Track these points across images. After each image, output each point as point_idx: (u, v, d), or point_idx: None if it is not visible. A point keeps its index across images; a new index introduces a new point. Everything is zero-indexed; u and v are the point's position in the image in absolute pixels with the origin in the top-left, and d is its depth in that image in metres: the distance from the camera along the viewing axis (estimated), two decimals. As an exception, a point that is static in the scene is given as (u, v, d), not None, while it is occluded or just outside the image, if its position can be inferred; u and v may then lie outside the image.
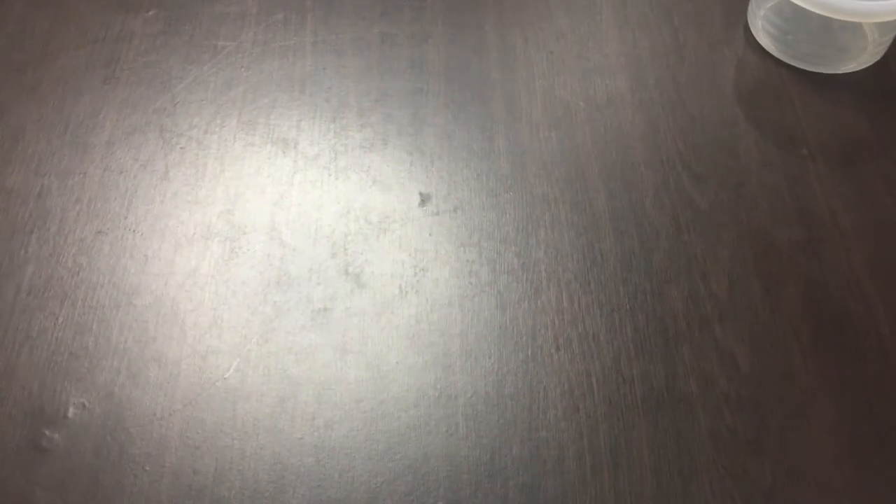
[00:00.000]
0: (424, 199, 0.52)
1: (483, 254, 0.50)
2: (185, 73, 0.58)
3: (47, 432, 0.44)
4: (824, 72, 0.58)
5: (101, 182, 0.53)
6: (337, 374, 0.45)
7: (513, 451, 0.43)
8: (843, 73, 0.58)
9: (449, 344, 0.46)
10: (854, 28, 0.57)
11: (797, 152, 0.54)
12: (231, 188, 0.53)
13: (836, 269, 0.49)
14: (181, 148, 0.55)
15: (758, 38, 0.59)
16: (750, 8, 0.60)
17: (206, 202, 0.52)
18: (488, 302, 0.48)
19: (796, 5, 0.53)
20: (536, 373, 0.45)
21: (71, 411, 0.44)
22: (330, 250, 0.50)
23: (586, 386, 0.45)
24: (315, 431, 0.43)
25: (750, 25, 0.60)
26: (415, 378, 0.45)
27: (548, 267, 0.49)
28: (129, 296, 0.48)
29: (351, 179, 0.53)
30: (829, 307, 0.48)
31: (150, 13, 0.62)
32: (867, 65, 0.58)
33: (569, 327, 0.47)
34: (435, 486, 0.42)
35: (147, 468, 0.42)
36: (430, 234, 0.50)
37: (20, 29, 0.61)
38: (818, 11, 0.53)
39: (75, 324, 0.47)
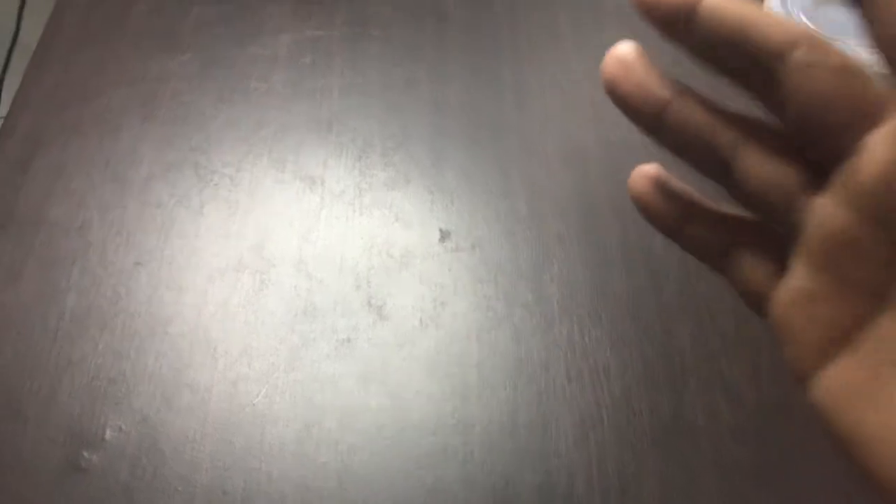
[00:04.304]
0: (444, 236, 0.55)
1: (499, 288, 0.52)
2: (218, 112, 0.62)
3: (86, 453, 0.46)
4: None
5: (139, 216, 0.56)
6: (360, 402, 0.48)
7: (526, 478, 0.45)
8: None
9: (466, 375, 0.49)
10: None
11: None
12: (261, 223, 0.56)
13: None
14: (215, 184, 0.58)
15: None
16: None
17: (237, 236, 0.55)
18: (504, 335, 0.50)
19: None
20: (549, 403, 0.47)
21: (108, 434, 0.47)
22: (354, 283, 0.53)
23: (596, 416, 0.47)
24: (338, 456, 0.46)
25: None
26: (434, 407, 0.47)
27: (561, 301, 0.51)
28: (165, 324, 0.51)
29: (374, 216, 0.56)
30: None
31: (187, 56, 0.65)
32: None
33: (580, 360, 0.49)
34: (451, 511, 0.44)
35: (179, 488, 0.45)
36: (449, 270, 0.53)
37: (64, 70, 0.64)
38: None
39: (114, 351, 0.50)
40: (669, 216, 0.29)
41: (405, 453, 0.46)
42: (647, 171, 0.29)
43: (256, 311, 0.51)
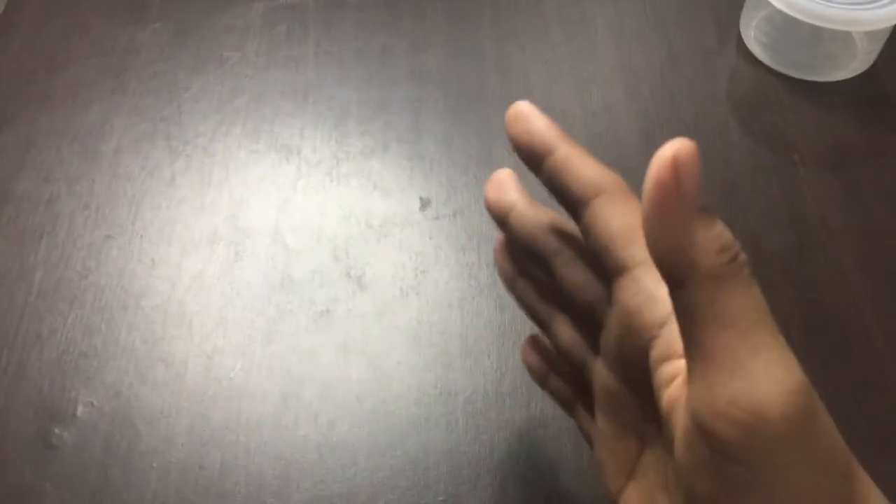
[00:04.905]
0: (424, 204, 0.53)
1: (482, 257, 0.51)
2: (190, 83, 0.60)
3: (57, 430, 0.45)
4: (815, 80, 0.59)
5: (109, 188, 0.54)
6: (339, 374, 0.46)
7: (511, 446, 0.44)
8: (833, 81, 0.59)
9: (449, 344, 0.47)
10: (843, 37, 0.58)
11: (788, 158, 0.55)
12: (236, 194, 0.54)
13: (826, 272, 0.50)
14: (187, 155, 0.56)
15: (750, 48, 0.61)
16: (742, 18, 0.62)
17: (211, 208, 0.53)
18: (487, 303, 0.49)
19: (787, 15, 0.55)
20: (534, 371, 0.46)
21: (80, 409, 0.45)
22: (332, 254, 0.51)
23: (583, 384, 0.46)
24: (318, 428, 0.45)
25: (742, 35, 0.62)
26: (416, 377, 0.46)
27: (545, 269, 0.50)
28: (137, 298, 0.49)
29: (352, 185, 0.54)
30: (819, 308, 0.49)
31: (157, 25, 0.63)
32: (856, 73, 0.59)
33: (565, 327, 0.48)
34: (435, 481, 0.43)
35: (154, 464, 0.43)
36: (430, 238, 0.52)
37: (31, 40, 0.62)
38: (808, 21, 0.54)
39: (84, 325, 0.48)
40: (539, 370, 0.37)
41: (387, 424, 0.45)
42: (533, 340, 0.37)
43: (232, 282, 0.50)
